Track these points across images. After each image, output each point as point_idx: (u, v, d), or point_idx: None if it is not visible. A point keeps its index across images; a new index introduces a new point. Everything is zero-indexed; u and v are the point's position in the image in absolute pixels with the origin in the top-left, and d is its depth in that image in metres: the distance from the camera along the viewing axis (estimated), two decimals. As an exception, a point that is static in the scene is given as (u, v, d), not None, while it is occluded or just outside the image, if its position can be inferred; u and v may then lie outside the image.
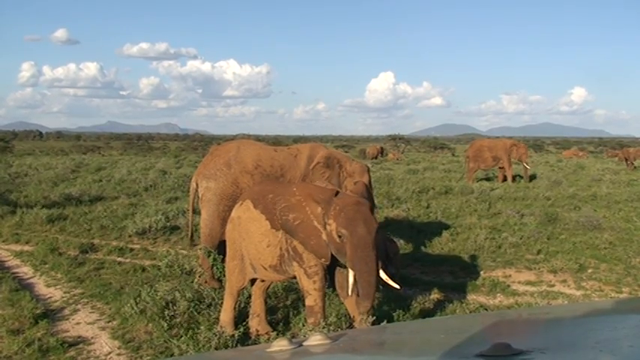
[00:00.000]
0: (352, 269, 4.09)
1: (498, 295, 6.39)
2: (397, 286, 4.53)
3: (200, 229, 6.57)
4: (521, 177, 18.93)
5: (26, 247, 8.95)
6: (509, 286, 6.67)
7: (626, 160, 26.64)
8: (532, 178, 18.63)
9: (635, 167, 25.43)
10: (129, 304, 5.45)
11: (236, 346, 4.54)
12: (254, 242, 4.61)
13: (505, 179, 18.08)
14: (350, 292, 4.21)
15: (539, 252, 8.13)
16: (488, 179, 18.55)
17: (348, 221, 4.05)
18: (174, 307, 5.28)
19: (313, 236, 4.23)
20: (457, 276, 7.06)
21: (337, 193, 4.37)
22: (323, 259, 4.26)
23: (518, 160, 18.60)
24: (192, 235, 6.98)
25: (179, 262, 7.04)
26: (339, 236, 4.08)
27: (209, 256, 6.33)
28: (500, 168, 18.55)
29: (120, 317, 5.49)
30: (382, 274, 4.32)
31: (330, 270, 4.50)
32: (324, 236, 4.19)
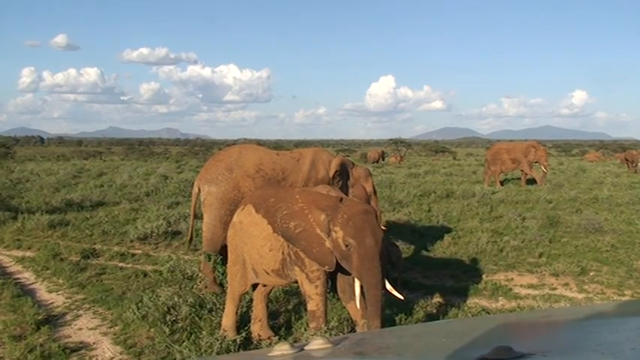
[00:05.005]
0: (359, 280, 4.09)
1: (500, 298, 6.38)
2: (401, 297, 4.52)
3: (202, 234, 6.58)
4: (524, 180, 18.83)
5: (28, 253, 8.95)
6: (511, 289, 6.65)
7: (628, 162, 26.57)
8: (532, 181, 18.47)
9: (636, 170, 25.36)
10: (131, 310, 5.46)
11: (238, 350, 4.54)
12: (256, 247, 4.61)
13: (528, 182, 17.98)
14: (358, 304, 4.19)
15: (541, 255, 8.12)
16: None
17: (357, 231, 4.03)
18: (176, 312, 5.28)
19: (315, 244, 4.21)
20: (459, 279, 7.04)
21: (342, 199, 4.36)
22: (327, 267, 4.24)
23: (536, 162, 18.41)
24: (191, 239, 6.98)
25: (181, 267, 7.04)
26: (346, 245, 4.06)
27: (210, 260, 6.33)
28: (521, 171, 18.45)
29: (122, 323, 5.49)
30: (387, 285, 4.32)
31: (332, 274, 4.49)
32: (327, 244, 4.18)
